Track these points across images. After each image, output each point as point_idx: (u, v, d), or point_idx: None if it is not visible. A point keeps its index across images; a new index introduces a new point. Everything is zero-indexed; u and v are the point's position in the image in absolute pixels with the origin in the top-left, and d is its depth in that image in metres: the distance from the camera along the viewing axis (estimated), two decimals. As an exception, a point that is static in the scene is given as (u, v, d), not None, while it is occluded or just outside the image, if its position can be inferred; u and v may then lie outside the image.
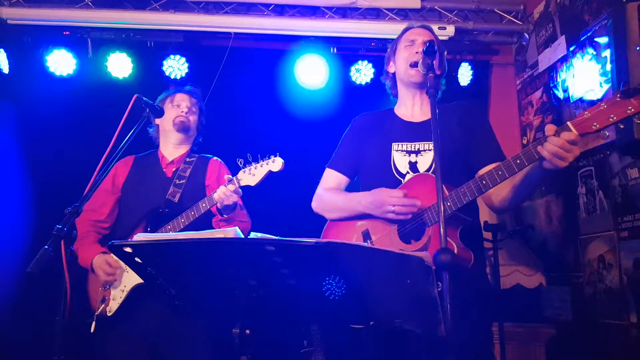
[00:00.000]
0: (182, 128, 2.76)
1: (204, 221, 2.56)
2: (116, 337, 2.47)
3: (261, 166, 2.39)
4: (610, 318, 3.39)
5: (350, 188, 2.38)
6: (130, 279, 2.48)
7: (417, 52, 2.18)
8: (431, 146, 2.13)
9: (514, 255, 3.90)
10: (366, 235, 2.13)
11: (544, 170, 1.84)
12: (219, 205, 2.45)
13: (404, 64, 2.24)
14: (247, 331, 1.52)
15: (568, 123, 1.74)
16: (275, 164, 2.38)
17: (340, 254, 1.37)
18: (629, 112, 1.65)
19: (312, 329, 3.53)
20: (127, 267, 2.50)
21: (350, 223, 2.20)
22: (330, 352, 3.49)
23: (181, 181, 2.67)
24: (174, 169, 2.75)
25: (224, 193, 2.39)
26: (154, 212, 2.58)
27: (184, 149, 2.84)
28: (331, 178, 2.37)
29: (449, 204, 1.92)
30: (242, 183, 2.40)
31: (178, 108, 2.78)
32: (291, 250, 1.36)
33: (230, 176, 2.42)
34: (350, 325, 2.04)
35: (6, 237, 3.69)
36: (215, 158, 2.86)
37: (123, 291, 2.48)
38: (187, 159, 2.79)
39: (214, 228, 2.56)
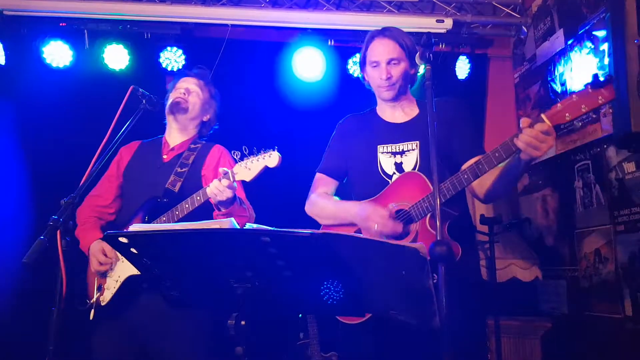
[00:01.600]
0: (176, 108, 2.60)
1: (204, 214, 2.42)
2: (105, 328, 2.42)
3: (257, 160, 2.25)
4: (606, 311, 3.41)
5: (340, 189, 2.43)
6: (125, 269, 2.42)
7: (381, 79, 2.22)
8: (414, 146, 2.20)
9: (510, 249, 3.91)
10: (358, 233, 2.17)
11: (523, 162, 1.91)
12: (212, 200, 2.33)
13: (374, 86, 2.30)
14: (243, 322, 1.52)
15: (542, 115, 1.81)
16: (272, 159, 2.23)
17: (336, 245, 1.37)
18: (600, 101, 1.74)
19: (308, 321, 3.54)
20: (123, 257, 2.46)
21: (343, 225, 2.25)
22: (326, 343, 3.51)
23: (183, 169, 2.55)
24: (174, 155, 2.63)
25: (216, 188, 2.25)
26: (151, 201, 2.50)
27: (188, 135, 2.69)
28: (321, 182, 2.41)
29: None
30: (238, 177, 2.27)
31: (177, 91, 2.65)
32: (286, 241, 1.36)
33: (226, 169, 2.28)
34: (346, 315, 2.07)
35: (3, 228, 3.68)
36: (218, 146, 2.69)
37: (117, 281, 2.44)
38: (192, 145, 2.65)
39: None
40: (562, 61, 3.92)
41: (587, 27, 3.62)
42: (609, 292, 3.39)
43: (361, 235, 1.49)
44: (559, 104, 1.80)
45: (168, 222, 2.40)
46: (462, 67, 4.37)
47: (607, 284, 3.40)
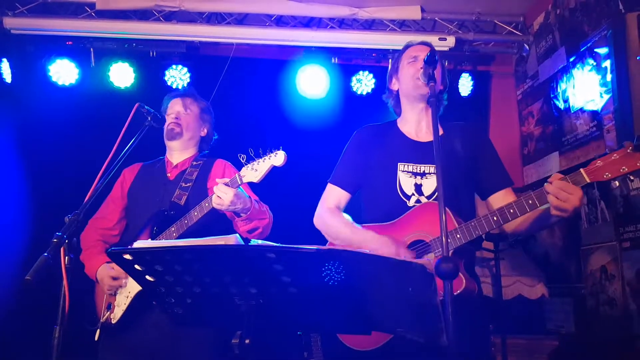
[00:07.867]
0: (171, 135, 2.67)
1: (219, 224, 2.46)
2: (115, 345, 2.42)
3: (263, 161, 2.25)
4: (613, 329, 3.36)
5: (351, 203, 2.35)
6: (135, 284, 2.40)
7: (421, 68, 2.15)
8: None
9: (516, 266, 3.88)
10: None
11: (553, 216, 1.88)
12: (225, 212, 2.35)
13: (410, 79, 2.22)
14: (247, 340, 1.50)
15: (580, 170, 1.78)
16: (278, 157, 2.23)
17: (342, 261, 1.36)
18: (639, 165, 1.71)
19: (312, 338, 3.49)
20: None
21: None
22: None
23: (187, 184, 2.59)
24: (178, 173, 2.67)
25: (216, 196, 2.27)
26: (159, 214, 2.51)
27: (189, 153, 2.75)
28: (333, 195, 2.32)
29: (458, 236, 1.94)
30: (245, 180, 2.27)
31: (169, 117, 2.71)
32: (292, 258, 1.35)
33: (227, 179, 2.30)
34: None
35: (7, 244, 3.68)
36: (220, 160, 2.74)
37: (127, 297, 2.44)
38: (194, 162, 2.70)
39: (233, 231, 2.45)
40: (565, 78, 3.93)
41: (588, 45, 3.64)
42: (615, 309, 3.35)
43: (367, 251, 1.48)
44: (598, 161, 1.76)
45: (177, 232, 2.42)
46: (465, 84, 4.40)
47: (614, 301, 3.36)
